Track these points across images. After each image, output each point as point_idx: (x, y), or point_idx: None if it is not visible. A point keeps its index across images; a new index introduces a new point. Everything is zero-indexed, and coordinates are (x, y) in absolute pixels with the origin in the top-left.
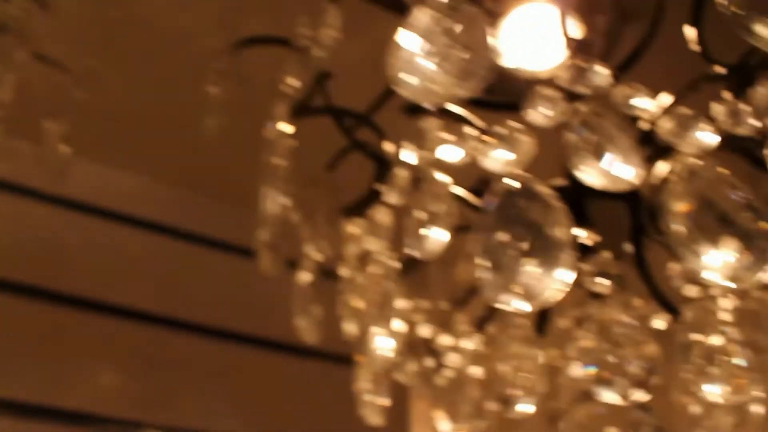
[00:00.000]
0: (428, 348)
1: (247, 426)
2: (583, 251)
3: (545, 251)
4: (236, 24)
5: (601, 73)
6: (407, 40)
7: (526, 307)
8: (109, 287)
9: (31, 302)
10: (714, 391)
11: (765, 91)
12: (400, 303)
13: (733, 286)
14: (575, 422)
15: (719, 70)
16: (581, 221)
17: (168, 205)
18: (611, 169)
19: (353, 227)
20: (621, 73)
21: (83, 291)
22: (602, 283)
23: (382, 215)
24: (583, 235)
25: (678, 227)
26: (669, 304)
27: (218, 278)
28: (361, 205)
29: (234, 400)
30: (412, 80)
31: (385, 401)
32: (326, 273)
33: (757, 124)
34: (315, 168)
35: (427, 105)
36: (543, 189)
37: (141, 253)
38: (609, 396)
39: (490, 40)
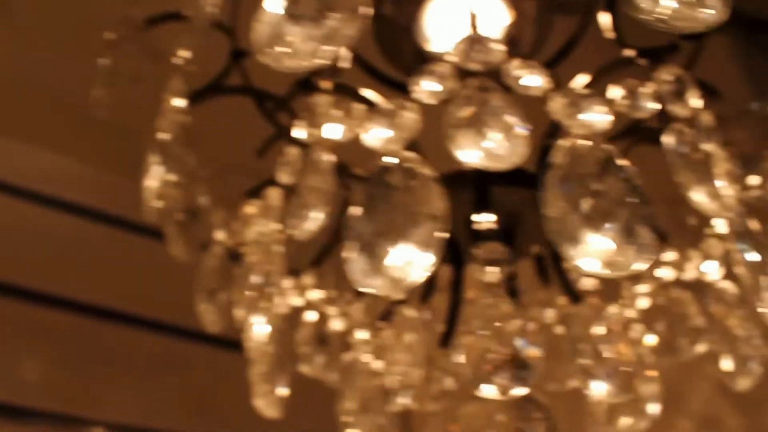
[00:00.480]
0: (342, 341)
1: (185, 423)
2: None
3: (414, 234)
4: None
5: (495, 49)
6: (272, 3)
7: (393, 292)
8: (34, 273)
9: None
10: (600, 389)
11: (667, 75)
12: (288, 286)
13: (610, 274)
14: (468, 420)
15: (628, 53)
16: (486, 208)
17: (97, 188)
18: (491, 148)
19: (250, 208)
20: (555, 63)
21: (4, 276)
22: (492, 272)
23: (273, 196)
24: (486, 221)
25: (555, 212)
26: (578, 299)
27: (152, 267)
28: (264, 186)
29: (173, 395)
30: (276, 46)
31: (284, 392)
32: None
33: (657, 107)
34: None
35: (289, 70)
36: (419, 168)
37: (69, 237)
38: (488, 390)
39: (362, 6)
